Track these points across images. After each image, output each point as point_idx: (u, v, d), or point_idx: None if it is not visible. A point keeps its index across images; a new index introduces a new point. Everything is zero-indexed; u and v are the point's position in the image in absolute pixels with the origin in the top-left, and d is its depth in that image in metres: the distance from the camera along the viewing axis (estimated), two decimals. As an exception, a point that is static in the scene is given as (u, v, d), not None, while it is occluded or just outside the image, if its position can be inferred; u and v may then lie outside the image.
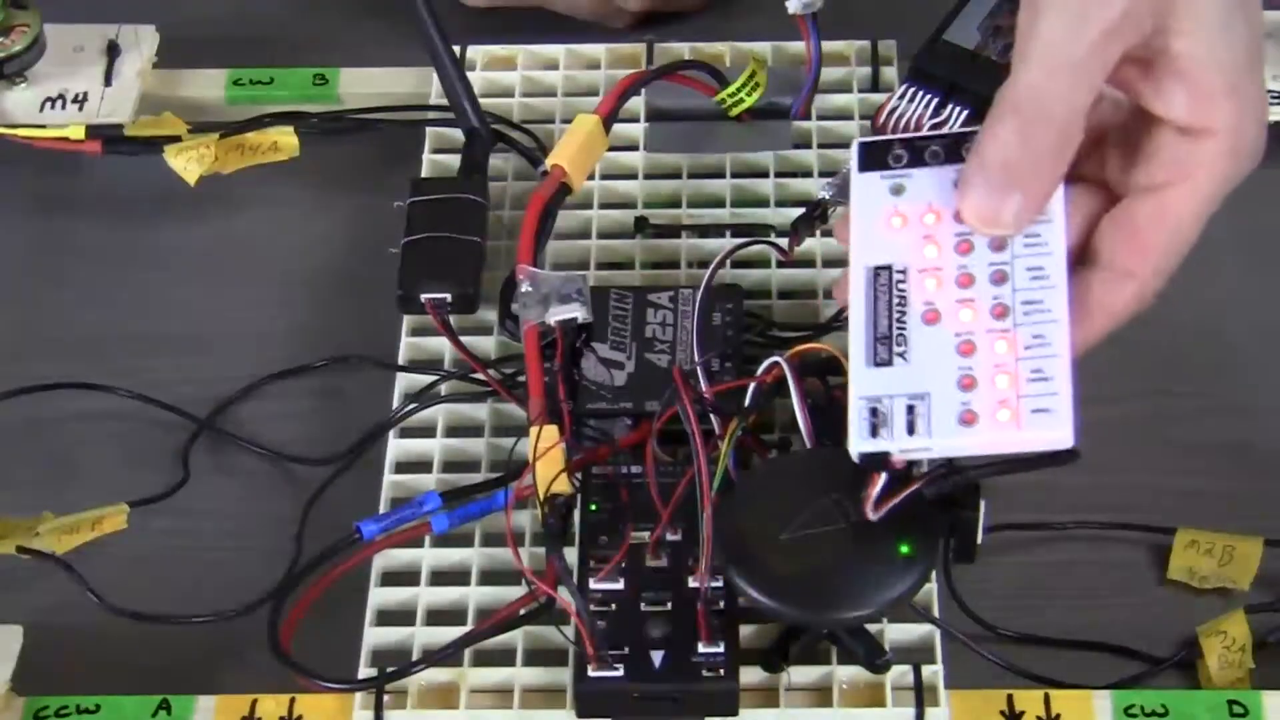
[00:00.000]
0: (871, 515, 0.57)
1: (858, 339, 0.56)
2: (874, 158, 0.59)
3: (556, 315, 0.66)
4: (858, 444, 0.55)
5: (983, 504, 0.60)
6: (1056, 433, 0.54)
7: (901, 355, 0.56)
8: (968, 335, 0.56)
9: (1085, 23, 0.54)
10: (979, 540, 0.60)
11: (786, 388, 0.62)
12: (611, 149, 0.74)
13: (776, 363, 0.62)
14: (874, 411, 0.55)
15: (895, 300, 0.56)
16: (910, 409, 0.55)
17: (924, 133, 0.58)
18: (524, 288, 0.67)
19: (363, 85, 0.81)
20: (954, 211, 0.57)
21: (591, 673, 0.59)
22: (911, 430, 0.55)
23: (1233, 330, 0.73)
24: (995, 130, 0.55)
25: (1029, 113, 0.55)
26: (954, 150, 0.57)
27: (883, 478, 0.56)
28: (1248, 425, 0.70)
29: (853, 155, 0.59)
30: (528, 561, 0.62)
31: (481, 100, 0.76)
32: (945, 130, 0.58)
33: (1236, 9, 0.56)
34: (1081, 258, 0.58)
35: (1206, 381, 0.71)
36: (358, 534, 0.63)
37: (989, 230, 0.56)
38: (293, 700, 0.61)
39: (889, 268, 0.57)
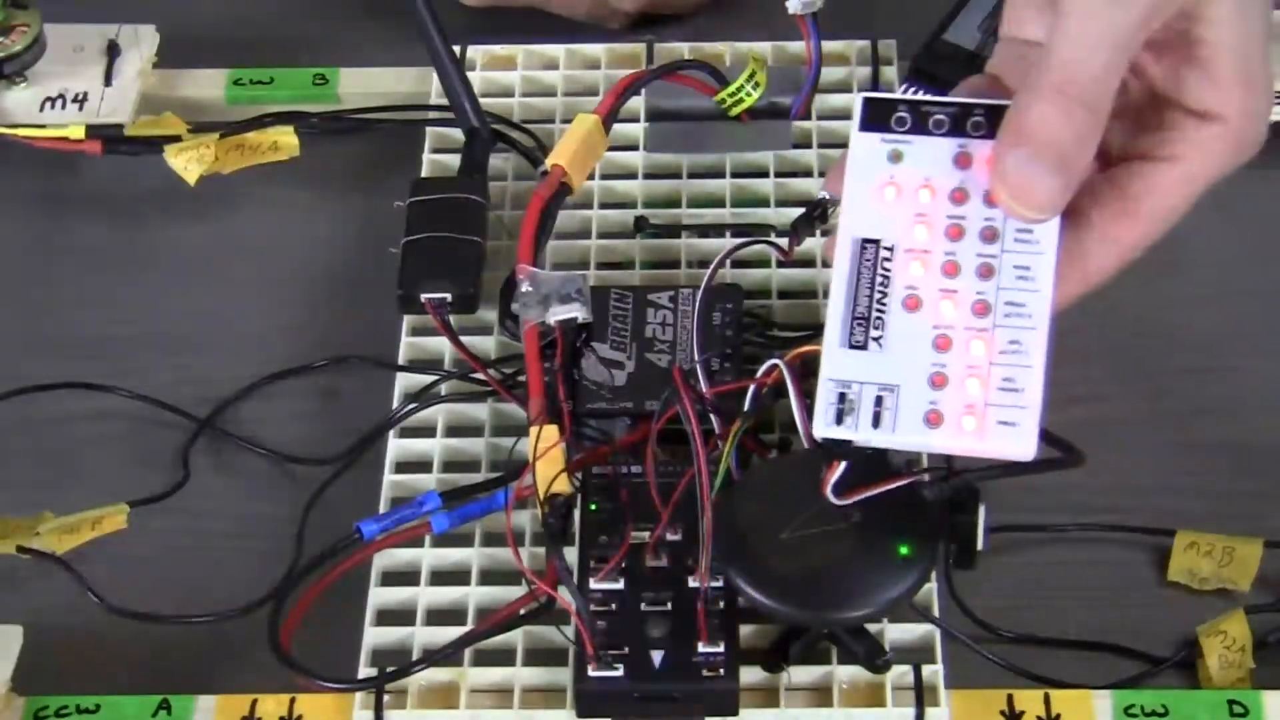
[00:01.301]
0: (833, 499, 0.57)
1: (835, 315, 0.55)
2: (877, 116, 0.56)
3: (556, 315, 0.66)
4: (821, 428, 0.55)
5: (982, 510, 0.60)
6: (1019, 447, 0.54)
7: (877, 341, 0.55)
8: (946, 329, 0.55)
9: (1129, 3, 0.54)
10: (979, 547, 0.60)
11: (786, 389, 0.62)
12: (611, 149, 0.74)
13: (776, 365, 0.62)
14: (842, 396, 0.55)
15: (879, 279, 0.55)
16: (879, 400, 0.55)
17: (930, 98, 0.57)
18: (524, 288, 0.67)
19: (363, 85, 0.81)
20: (950, 191, 0.56)
21: (591, 673, 0.59)
22: (876, 423, 0.54)
23: (1233, 332, 0.73)
24: (1036, 108, 0.54)
25: (1069, 90, 0.54)
26: (959, 122, 0.56)
27: (842, 465, 0.56)
28: (1247, 426, 0.70)
29: (856, 111, 0.57)
30: (528, 561, 0.62)
31: (481, 100, 0.76)
32: (953, 98, 0.57)
33: (1257, 2, 0.56)
34: (1069, 218, 0.57)
35: (1206, 382, 0.71)
36: (358, 534, 0.63)
37: (1023, 210, 0.55)
38: (293, 700, 0.61)
39: (877, 243, 0.56)
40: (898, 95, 0.57)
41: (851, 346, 0.55)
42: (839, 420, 0.55)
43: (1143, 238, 0.57)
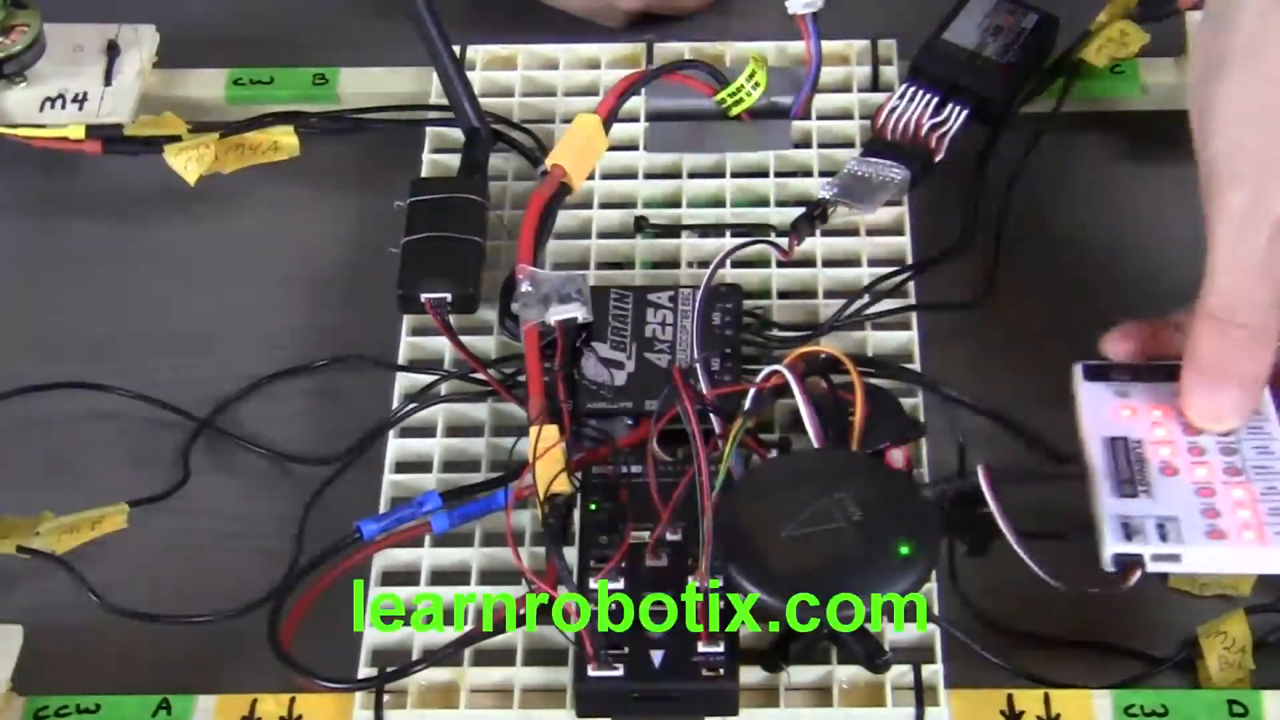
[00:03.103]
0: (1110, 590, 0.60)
1: (1101, 481, 0.60)
2: (1096, 375, 0.64)
3: (556, 315, 0.66)
4: (1112, 546, 0.58)
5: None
6: None
7: (1146, 492, 0.60)
8: (1205, 484, 0.60)
9: (1254, 223, 0.60)
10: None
11: (787, 388, 0.62)
12: (611, 149, 0.74)
13: (777, 370, 0.62)
14: (1126, 525, 0.59)
15: (1134, 456, 0.61)
16: (1161, 526, 0.59)
17: (1142, 364, 0.64)
18: (524, 287, 0.67)
19: (363, 85, 0.81)
20: (1178, 411, 0.62)
21: (591, 673, 0.59)
22: (1164, 538, 0.58)
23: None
24: (1197, 337, 0.61)
25: (1222, 315, 0.60)
26: (1170, 372, 0.62)
27: (1139, 573, 0.58)
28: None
29: (1077, 372, 0.64)
30: (528, 561, 0.62)
31: (481, 100, 0.76)
32: (1161, 363, 0.64)
33: None
34: None
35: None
36: (358, 534, 0.63)
37: (1215, 426, 0.61)
38: (293, 700, 0.61)
39: (1124, 438, 0.62)
40: (1111, 361, 0.64)
41: (1123, 496, 0.60)
42: (1128, 538, 0.59)
43: None
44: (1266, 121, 0.60)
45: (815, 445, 0.62)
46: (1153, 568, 0.59)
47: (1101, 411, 0.63)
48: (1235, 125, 0.60)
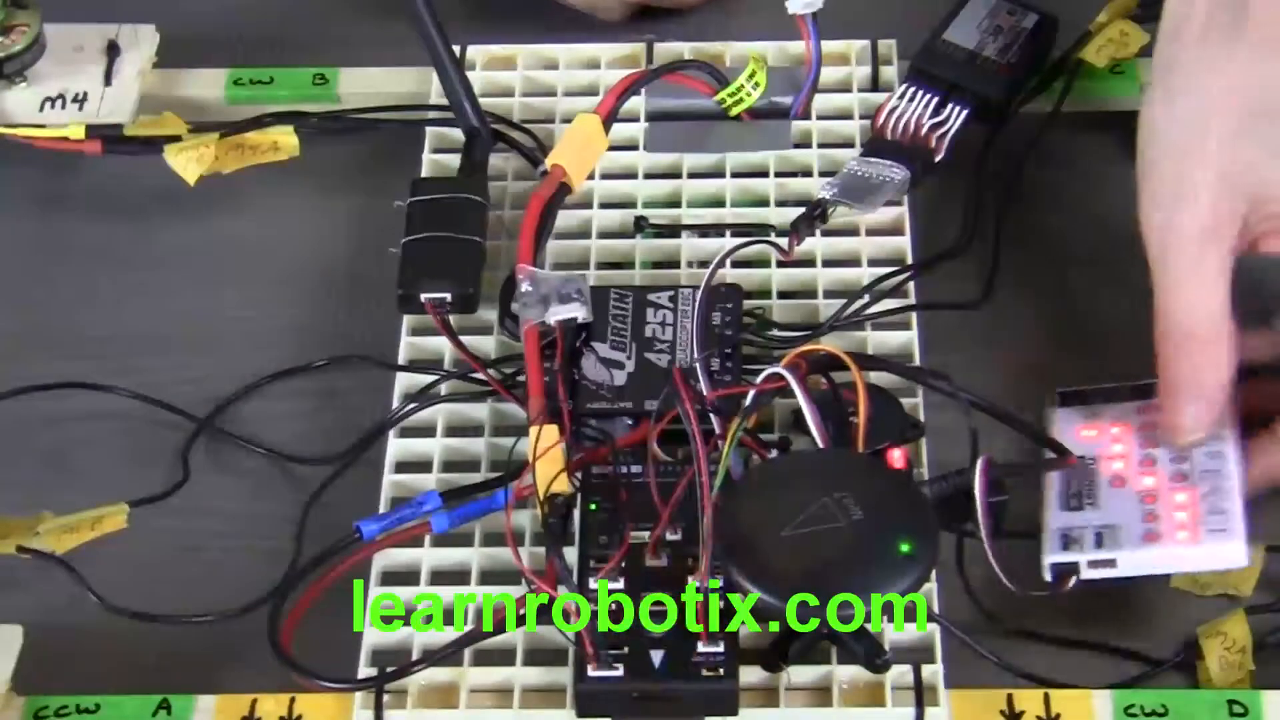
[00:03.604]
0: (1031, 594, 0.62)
1: (1051, 494, 0.63)
2: (1070, 399, 0.67)
3: (556, 315, 0.66)
4: (1051, 557, 0.61)
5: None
6: (1231, 549, 0.61)
7: (1092, 504, 0.63)
8: (1151, 491, 0.63)
9: (1174, 239, 0.62)
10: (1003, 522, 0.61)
11: (789, 388, 0.62)
12: (611, 149, 0.74)
13: (778, 373, 0.62)
14: (1066, 536, 0.62)
15: (1084, 475, 0.64)
16: (1099, 534, 0.62)
17: (1113, 385, 0.66)
18: (524, 287, 0.67)
19: (363, 85, 0.81)
20: (1139, 425, 0.64)
21: (591, 673, 0.59)
22: (1100, 545, 0.61)
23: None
24: (1160, 354, 0.63)
25: (1172, 335, 0.62)
26: (1141, 392, 0.65)
27: (1072, 581, 0.61)
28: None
29: (1054, 399, 0.67)
30: (528, 561, 0.62)
31: (481, 100, 0.76)
32: (1132, 383, 0.66)
33: None
34: (1264, 422, 0.64)
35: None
36: (358, 534, 0.63)
37: (1181, 439, 0.63)
38: (293, 700, 0.61)
39: (1080, 458, 0.64)
40: (1086, 387, 0.67)
41: (1069, 509, 0.63)
42: (1065, 548, 0.62)
43: None
44: (1171, 142, 0.63)
45: (819, 445, 0.62)
46: (1088, 574, 0.61)
47: (1068, 436, 0.65)
48: (1148, 146, 0.64)
